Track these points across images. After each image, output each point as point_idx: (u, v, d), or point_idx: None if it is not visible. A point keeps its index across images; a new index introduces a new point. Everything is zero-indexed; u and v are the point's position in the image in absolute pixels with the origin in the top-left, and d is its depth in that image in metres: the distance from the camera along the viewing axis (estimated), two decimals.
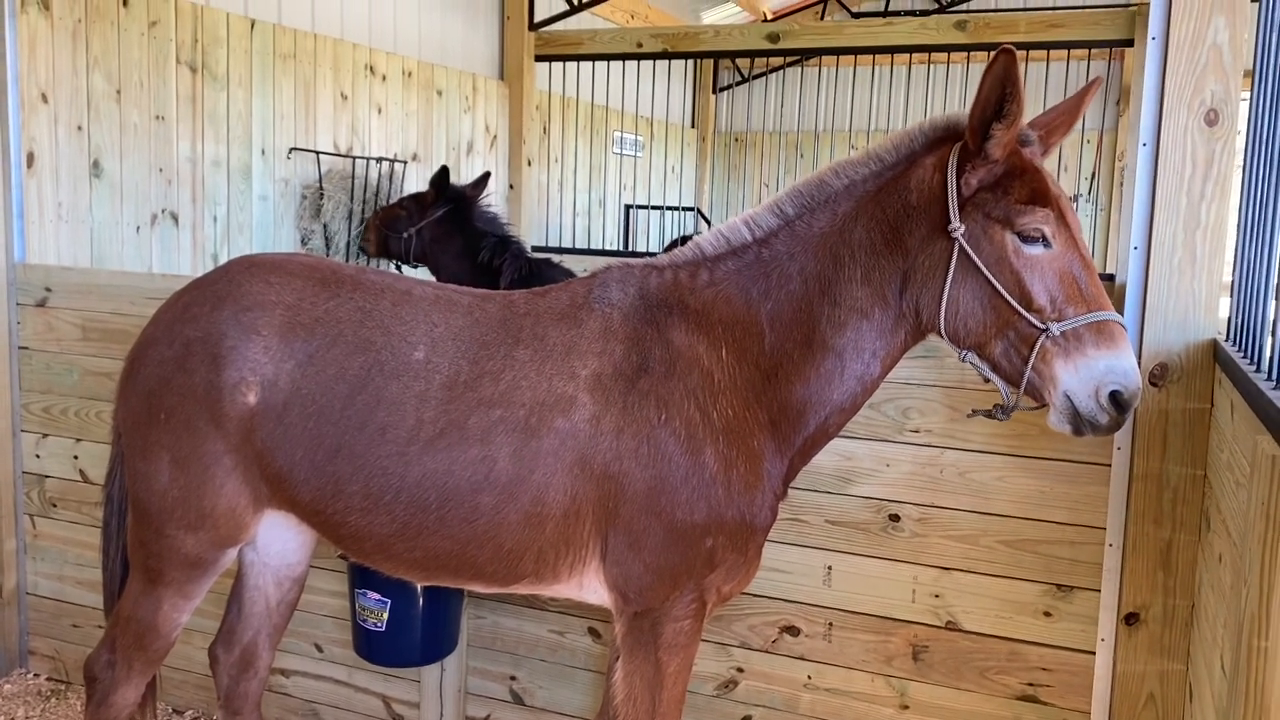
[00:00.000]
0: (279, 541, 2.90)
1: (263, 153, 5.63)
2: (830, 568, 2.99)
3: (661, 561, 2.36)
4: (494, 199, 6.17)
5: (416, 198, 5.57)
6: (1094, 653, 2.70)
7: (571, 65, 8.08)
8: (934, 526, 2.87)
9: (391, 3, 6.83)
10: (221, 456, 2.56)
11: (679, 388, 2.36)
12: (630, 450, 2.32)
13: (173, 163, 5.04)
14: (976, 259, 2.17)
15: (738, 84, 13.34)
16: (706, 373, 2.37)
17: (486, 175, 5.69)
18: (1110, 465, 2.64)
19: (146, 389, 2.65)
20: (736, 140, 13.48)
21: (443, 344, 2.48)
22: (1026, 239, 2.14)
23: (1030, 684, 2.81)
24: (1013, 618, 2.81)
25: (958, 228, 2.17)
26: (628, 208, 10.40)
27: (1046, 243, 2.14)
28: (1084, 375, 2.09)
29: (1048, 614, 2.78)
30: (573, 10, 8.35)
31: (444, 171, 5.44)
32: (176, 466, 2.59)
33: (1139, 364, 2.56)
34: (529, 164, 8.29)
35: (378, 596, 3.05)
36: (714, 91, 13.39)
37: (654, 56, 7.63)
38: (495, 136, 8.05)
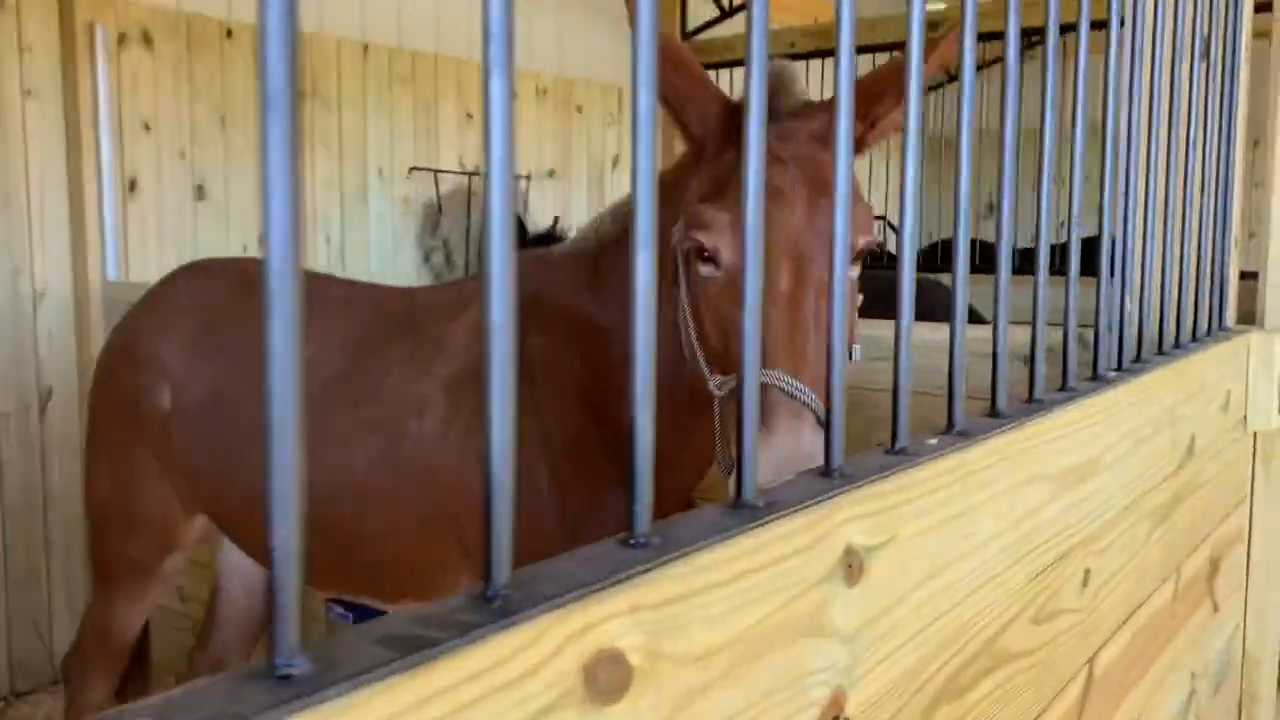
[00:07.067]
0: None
1: (379, 172, 5.78)
2: None
3: None
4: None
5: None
6: None
7: (724, 70, 7.83)
8: None
9: (525, 20, 6.88)
10: (147, 460, 2.56)
11: (526, 397, 2.08)
12: (473, 460, 2.10)
13: None
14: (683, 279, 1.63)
15: None
16: (555, 384, 2.07)
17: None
18: None
19: (93, 399, 2.72)
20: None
21: (329, 342, 2.36)
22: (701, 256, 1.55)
23: None
24: None
25: (674, 234, 1.59)
26: None
27: (716, 262, 1.54)
28: None
29: None
30: (724, 15, 8.10)
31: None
32: (112, 473, 2.63)
33: None
34: None
35: (341, 611, 2.97)
36: None
37: (808, 56, 7.26)
38: None
